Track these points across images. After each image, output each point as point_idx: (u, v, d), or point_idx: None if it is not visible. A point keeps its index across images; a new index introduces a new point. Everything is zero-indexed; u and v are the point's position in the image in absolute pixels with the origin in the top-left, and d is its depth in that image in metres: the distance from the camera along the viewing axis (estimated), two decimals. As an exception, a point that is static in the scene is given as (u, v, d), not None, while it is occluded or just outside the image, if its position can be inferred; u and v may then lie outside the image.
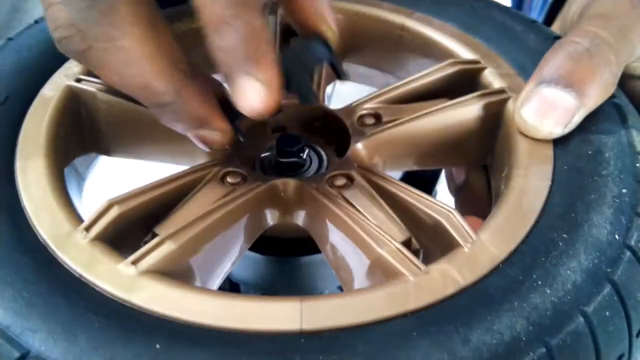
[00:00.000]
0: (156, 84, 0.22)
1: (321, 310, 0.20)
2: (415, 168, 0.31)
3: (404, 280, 0.21)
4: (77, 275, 0.21)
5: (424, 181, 0.38)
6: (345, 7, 0.34)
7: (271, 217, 0.27)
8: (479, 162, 0.31)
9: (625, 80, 0.30)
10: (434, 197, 0.37)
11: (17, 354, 0.19)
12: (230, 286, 0.34)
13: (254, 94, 0.22)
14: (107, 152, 0.30)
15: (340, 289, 0.34)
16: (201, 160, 0.28)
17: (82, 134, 0.29)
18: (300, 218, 0.27)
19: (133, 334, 0.19)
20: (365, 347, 0.19)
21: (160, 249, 0.22)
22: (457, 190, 0.34)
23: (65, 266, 0.21)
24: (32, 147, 0.26)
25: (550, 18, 0.40)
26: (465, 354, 0.19)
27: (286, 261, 0.31)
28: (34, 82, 0.28)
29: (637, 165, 0.25)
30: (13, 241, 0.22)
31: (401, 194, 0.26)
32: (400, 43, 0.34)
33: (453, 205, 0.33)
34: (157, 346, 0.19)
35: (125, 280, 0.21)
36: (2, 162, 0.25)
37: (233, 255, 0.26)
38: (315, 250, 0.30)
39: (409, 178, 0.41)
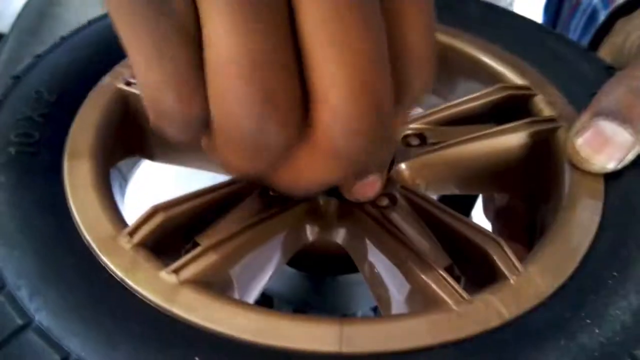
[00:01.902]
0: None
1: (361, 334, 0.20)
2: (457, 192, 0.30)
3: (446, 308, 0.21)
4: (119, 280, 0.21)
5: (461, 206, 0.38)
6: None
7: (311, 233, 0.27)
8: (523, 189, 0.30)
9: None
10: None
11: (57, 357, 0.19)
12: (263, 299, 0.34)
13: (374, 188, 0.24)
14: (151, 157, 0.30)
15: (373, 310, 0.34)
16: None
17: (129, 137, 0.29)
18: (340, 236, 0.27)
19: (173, 344, 0.19)
20: None
21: (202, 259, 0.22)
22: (496, 214, 0.33)
23: (108, 270, 0.21)
24: (80, 148, 0.26)
25: (596, 41, 0.39)
26: None
27: (321, 279, 0.30)
28: (85, 83, 0.29)
29: None
30: (58, 241, 0.22)
31: (445, 218, 0.25)
32: (447, 63, 0.34)
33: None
34: (196, 358, 0.19)
35: (166, 288, 0.21)
36: (50, 161, 0.25)
37: (271, 269, 0.25)
38: (351, 270, 0.30)
39: (445, 202, 0.40)
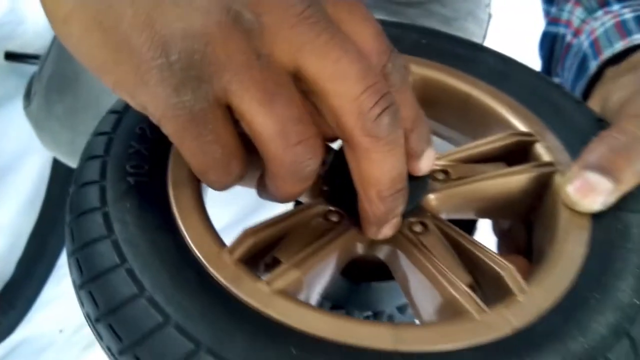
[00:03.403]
0: None
1: (411, 336, 0.27)
2: (472, 217, 0.38)
3: (471, 318, 0.28)
4: (226, 289, 0.28)
5: (466, 225, 0.44)
6: (419, 71, 0.41)
7: (360, 249, 0.33)
8: (525, 218, 0.37)
9: None
10: (475, 232, 0.44)
11: (192, 346, 0.25)
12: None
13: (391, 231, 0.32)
14: None
15: (398, 309, 0.41)
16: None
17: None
18: (383, 253, 0.34)
19: (274, 339, 0.26)
20: None
21: (288, 274, 0.29)
22: (500, 234, 0.41)
23: (218, 280, 0.28)
24: (180, 178, 0.32)
25: (589, 86, 0.46)
26: None
27: (359, 283, 0.37)
28: None
29: None
30: (177, 257, 0.29)
31: (469, 246, 0.32)
32: (467, 106, 0.41)
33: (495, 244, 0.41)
34: (293, 351, 0.26)
35: (263, 296, 0.28)
36: (160, 188, 0.31)
37: (329, 278, 0.32)
38: (382, 278, 0.37)
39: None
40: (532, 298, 0.29)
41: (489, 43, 0.60)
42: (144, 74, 0.25)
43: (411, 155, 0.30)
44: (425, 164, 0.31)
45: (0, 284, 1.09)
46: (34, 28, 1.44)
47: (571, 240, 0.32)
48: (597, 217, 0.33)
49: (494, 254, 0.32)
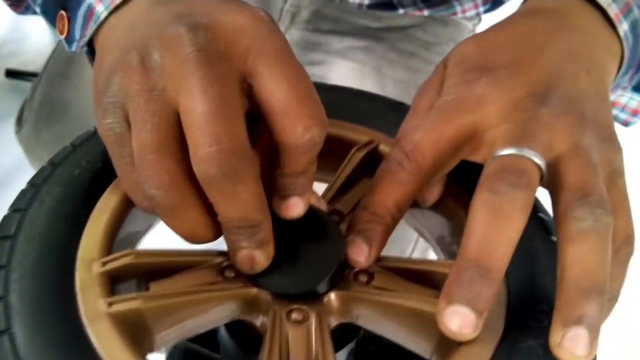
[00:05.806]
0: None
1: None
2: (379, 333, 0.35)
3: None
4: (76, 292, 0.31)
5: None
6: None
7: (237, 311, 0.33)
8: None
9: None
10: None
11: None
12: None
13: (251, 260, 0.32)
14: None
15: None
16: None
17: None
18: (259, 321, 0.33)
19: (69, 352, 0.28)
20: None
21: (130, 302, 0.30)
22: None
23: (74, 282, 0.31)
24: (106, 204, 0.35)
25: None
26: None
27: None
28: None
29: None
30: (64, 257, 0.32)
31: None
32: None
33: None
34: None
35: (95, 312, 0.30)
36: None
37: (190, 332, 0.33)
38: None
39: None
40: None
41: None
42: (96, 105, 0.34)
43: (276, 196, 0.33)
44: (289, 209, 0.33)
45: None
46: (36, 46, 1.53)
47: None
48: None
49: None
